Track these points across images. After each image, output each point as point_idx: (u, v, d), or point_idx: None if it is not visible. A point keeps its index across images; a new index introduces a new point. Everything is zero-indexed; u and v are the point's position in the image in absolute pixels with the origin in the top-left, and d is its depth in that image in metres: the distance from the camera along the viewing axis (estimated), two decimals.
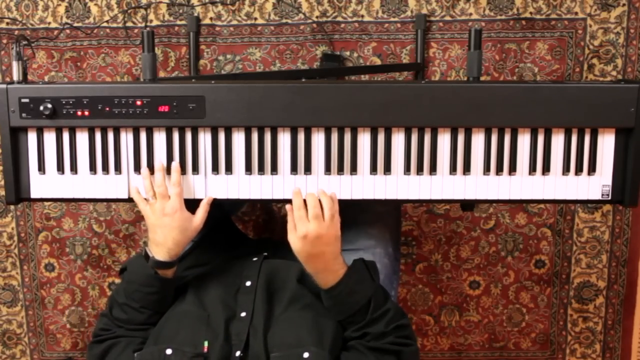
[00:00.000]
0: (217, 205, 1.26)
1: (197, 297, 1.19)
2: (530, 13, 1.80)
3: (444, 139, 1.24)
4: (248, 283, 1.21)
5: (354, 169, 1.25)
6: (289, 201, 1.19)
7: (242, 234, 1.65)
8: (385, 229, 1.43)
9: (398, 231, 1.53)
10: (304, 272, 1.21)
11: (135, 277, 1.19)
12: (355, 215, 1.41)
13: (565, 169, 1.26)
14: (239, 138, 1.25)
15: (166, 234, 1.18)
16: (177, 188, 1.20)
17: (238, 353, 1.06)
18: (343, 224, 1.38)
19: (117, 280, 1.98)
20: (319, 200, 1.17)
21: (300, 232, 1.14)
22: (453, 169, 1.25)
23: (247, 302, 1.16)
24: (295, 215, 1.16)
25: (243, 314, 1.14)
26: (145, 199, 1.22)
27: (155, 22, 1.83)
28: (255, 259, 1.28)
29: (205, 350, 1.05)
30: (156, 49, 1.80)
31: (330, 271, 1.16)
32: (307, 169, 1.25)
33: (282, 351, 1.06)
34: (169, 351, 1.04)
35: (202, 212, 1.22)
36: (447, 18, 1.81)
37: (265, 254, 1.31)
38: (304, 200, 1.17)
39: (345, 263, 1.19)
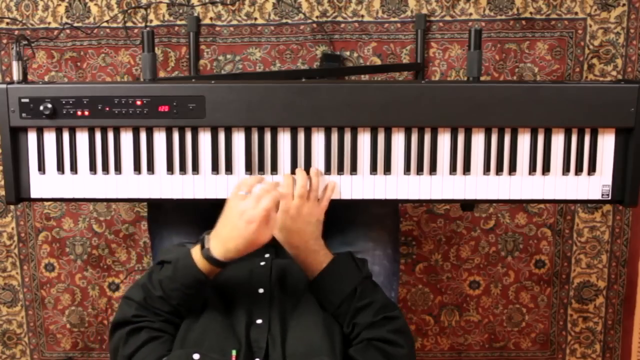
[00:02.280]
0: (217, 205, 1.26)
1: (214, 306, 1.16)
2: (530, 13, 1.80)
3: (444, 139, 1.24)
4: (261, 290, 1.19)
5: (354, 169, 1.25)
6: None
7: None
8: (384, 231, 1.43)
9: (397, 233, 1.53)
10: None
11: (179, 274, 1.11)
12: (353, 217, 1.41)
13: (565, 169, 1.26)
14: (239, 138, 1.25)
15: (234, 236, 1.08)
16: (269, 203, 1.08)
17: None
18: (342, 226, 1.38)
19: (117, 280, 1.98)
20: (309, 181, 1.18)
21: (283, 206, 1.14)
22: (453, 169, 1.25)
23: (263, 309, 1.14)
24: (281, 191, 1.14)
25: (259, 321, 1.12)
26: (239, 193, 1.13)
27: (155, 22, 1.83)
28: (262, 262, 1.27)
29: (233, 359, 1.02)
30: (156, 49, 1.80)
31: (311, 252, 1.16)
32: (307, 169, 1.25)
33: (298, 359, 1.05)
34: (196, 356, 1.01)
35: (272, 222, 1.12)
36: (447, 18, 1.81)
37: (267, 255, 1.31)
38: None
39: (332, 253, 1.19)
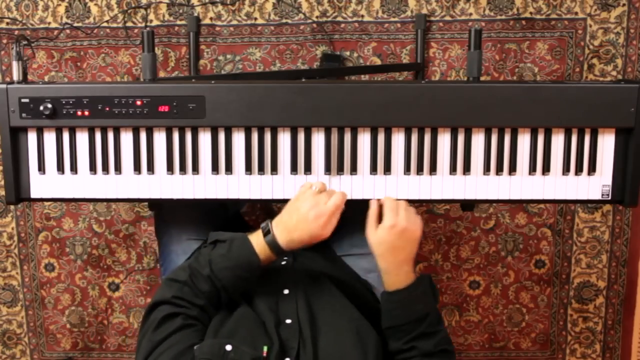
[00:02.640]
0: (222, 205, 1.26)
1: (246, 300, 1.16)
2: (530, 13, 1.80)
3: (444, 139, 1.24)
4: (286, 291, 1.19)
5: (354, 169, 1.25)
6: (289, 201, 1.17)
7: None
8: None
9: None
10: (336, 278, 1.20)
11: (234, 255, 1.12)
12: (362, 218, 1.41)
13: (565, 169, 1.26)
14: (239, 138, 1.25)
15: (300, 228, 1.11)
16: (338, 203, 1.14)
17: None
18: (354, 226, 1.38)
19: (117, 280, 1.98)
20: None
21: (390, 220, 1.13)
22: (453, 169, 1.25)
23: (290, 310, 1.14)
24: (388, 204, 1.15)
25: (288, 321, 1.12)
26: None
27: (155, 22, 1.83)
28: (283, 262, 1.27)
29: (265, 354, 1.02)
30: (156, 49, 1.80)
31: (402, 271, 1.15)
32: (307, 169, 1.25)
33: None
34: (228, 347, 1.01)
35: (333, 222, 1.16)
36: (447, 18, 1.81)
37: (286, 257, 1.30)
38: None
39: (416, 273, 1.18)
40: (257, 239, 1.13)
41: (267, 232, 1.13)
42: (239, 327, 1.08)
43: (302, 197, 1.14)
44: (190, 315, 1.09)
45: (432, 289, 1.19)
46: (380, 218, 1.17)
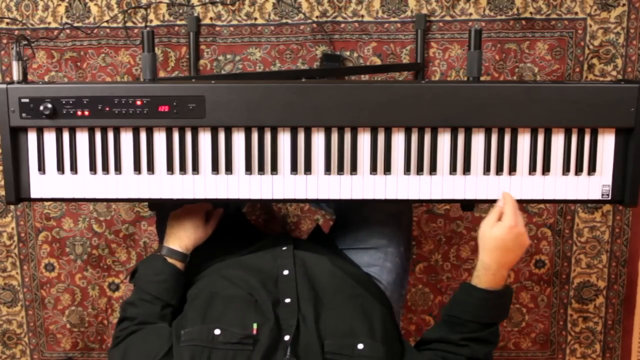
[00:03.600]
0: (224, 204, 1.27)
1: (236, 285, 1.17)
2: (530, 13, 1.80)
3: (444, 139, 1.24)
4: (286, 272, 1.19)
5: (354, 169, 1.25)
6: (289, 201, 1.20)
7: (257, 229, 1.65)
8: (398, 228, 1.43)
9: (410, 230, 1.53)
10: (336, 262, 1.23)
11: (146, 270, 1.27)
12: (367, 214, 1.41)
13: (565, 169, 1.26)
14: (239, 138, 1.25)
15: (183, 227, 1.31)
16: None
17: (287, 337, 1.05)
18: (357, 223, 1.39)
19: (117, 280, 1.99)
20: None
21: (511, 220, 1.16)
22: (453, 169, 1.25)
23: (290, 289, 1.15)
24: (513, 205, 1.18)
25: (287, 300, 1.13)
26: None
27: (155, 22, 1.83)
28: (284, 248, 1.28)
29: (255, 332, 1.04)
30: (156, 49, 1.80)
31: (501, 273, 1.17)
32: (307, 169, 1.25)
33: (335, 339, 1.05)
34: (217, 331, 1.03)
35: (214, 221, 1.37)
36: (447, 18, 1.81)
37: (287, 245, 1.31)
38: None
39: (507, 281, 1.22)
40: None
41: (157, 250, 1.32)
42: (228, 310, 1.10)
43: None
44: (131, 332, 1.18)
45: (509, 303, 1.21)
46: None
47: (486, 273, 1.17)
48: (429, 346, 1.18)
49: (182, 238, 1.31)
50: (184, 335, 1.05)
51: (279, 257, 1.25)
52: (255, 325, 1.04)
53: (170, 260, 1.28)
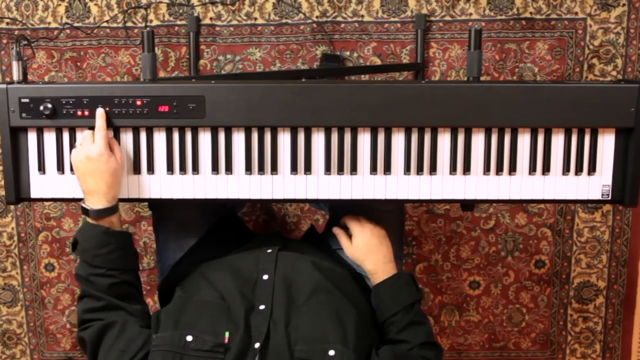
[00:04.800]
0: (222, 204, 1.26)
1: (214, 288, 1.17)
2: (530, 13, 1.80)
3: (444, 139, 1.24)
4: (265, 277, 1.19)
5: (354, 169, 1.25)
6: (289, 201, 1.22)
7: (250, 230, 1.65)
8: (389, 228, 1.43)
9: (401, 231, 1.53)
10: (319, 263, 1.23)
11: (88, 244, 1.18)
12: (358, 214, 1.41)
13: (565, 169, 1.26)
14: (239, 138, 1.25)
15: (97, 180, 1.18)
16: (101, 132, 1.20)
17: (257, 345, 1.05)
18: (346, 223, 1.39)
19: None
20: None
21: (356, 226, 1.32)
22: (453, 169, 1.25)
23: (266, 296, 1.15)
24: (348, 219, 1.35)
25: (262, 307, 1.13)
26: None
27: (155, 22, 1.83)
28: (269, 250, 1.28)
29: (226, 341, 1.04)
30: (156, 49, 1.80)
31: (388, 268, 1.29)
32: (307, 169, 1.25)
33: (306, 345, 1.05)
34: (189, 337, 1.04)
35: (116, 147, 1.23)
36: (447, 18, 1.81)
37: (278, 247, 1.31)
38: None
39: (399, 269, 1.32)
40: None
41: (85, 212, 1.20)
42: (201, 317, 1.10)
43: (74, 164, 1.21)
44: (103, 319, 1.13)
45: (414, 281, 1.29)
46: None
47: (377, 276, 1.28)
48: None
49: (104, 190, 1.18)
50: (155, 340, 1.06)
51: (261, 260, 1.24)
52: (227, 334, 1.05)
53: (106, 223, 1.18)
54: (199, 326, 1.07)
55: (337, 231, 1.36)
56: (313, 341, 1.06)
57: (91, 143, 1.19)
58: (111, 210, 1.19)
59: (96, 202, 1.18)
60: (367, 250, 1.30)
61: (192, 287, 1.21)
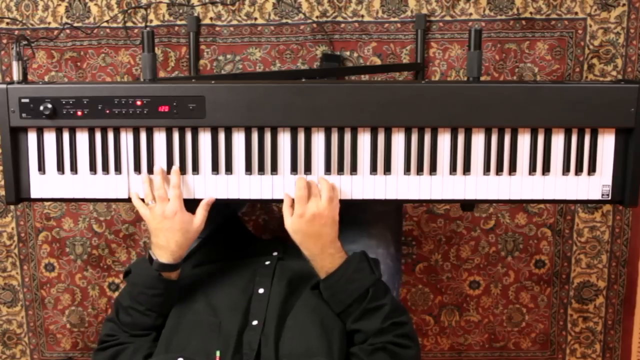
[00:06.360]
0: (224, 204, 1.26)
1: (208, 303, 1.18)
2: (530, 13, 1.80)
3: (444, 139, 1.24)
4: (261, 290, 1.20)
5: (354, 169, 1.25)
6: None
7: (250, 233, 1.65)
8: (387, 228, 1.43)
9: (399, 231, 1.53)
10: (313, 272, 1.21)
11: (139, 280, 1.19)
12: (356, 215, 1.41)
13: (565, 169, 1.26)
14: (239, 138, 1.25)
15: (168, 237, 1.18)
16: (177, 190, 1.20)
17: None
18: (344, 224, 1.38)
19: (117, 280, 1.98)
20: (318, 186, 1.20)
21: (298, 210, 1.16)
22: (453, 169, 1.25)
23: (260, 310, 1.15)
24: (296, 195, 1.17)
25: (255, 322, 1.13)
26: (146, 203, 1.22)
27: (155, 22, 1.83)
28: (267, 262, 1.28)
29: (218, 359, 1.05)
30: (156, 49, 1.80)
31: (327, 255, 1.16)
32: (307, 169, 1.25)
33: (292, 359, 1.05)
34: None
35: (201, 212, 1.21)
36: (447, 18, 1.81)
37: (275, 253, 1.31)
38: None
39: (346, 253, 1.19)
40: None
41: (151, 260, 1.20)
42: (192, 338, 1.10)
43: (147, 219, 1.21)
44: (120, 342, 1.16)
45: (367, 262, 1.18)
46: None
47: (316, 263, 1.17)
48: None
49: (173, 249, 1.18)
50: None
51: (258, 273, 1.24)
52: (218, 353, 1.05)
53: (164, 275, 1.19)
54: (190, 348, 1.08)
55: (285, 199, 1.21)
56: (298, 355, 1.05)
57: (165, 201, 1.19)
58: (174, 267, 1.20)
59: (162, 256, 1.19)
60: (302, 235, 1.17)
61: (188, 298, 1.22)
